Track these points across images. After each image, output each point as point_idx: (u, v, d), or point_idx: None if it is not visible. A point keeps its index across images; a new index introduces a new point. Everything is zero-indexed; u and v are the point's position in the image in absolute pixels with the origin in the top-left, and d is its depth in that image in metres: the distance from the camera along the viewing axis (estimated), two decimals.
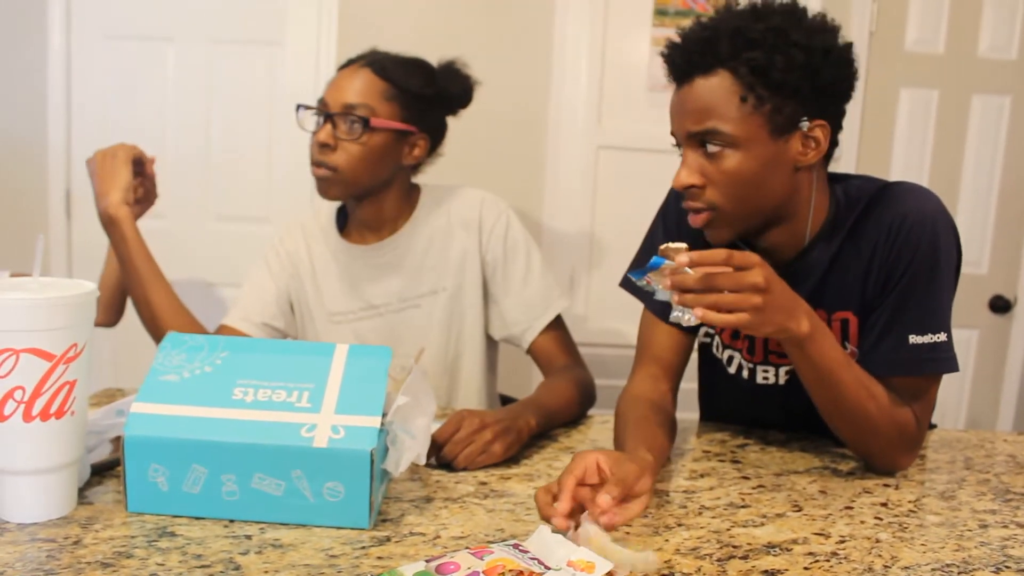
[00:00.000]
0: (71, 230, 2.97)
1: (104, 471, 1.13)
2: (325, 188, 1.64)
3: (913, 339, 1.23)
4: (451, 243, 1.70)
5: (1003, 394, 2.94)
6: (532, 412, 1.37)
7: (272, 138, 2.94)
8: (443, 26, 2.76)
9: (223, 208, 2.97)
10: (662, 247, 1.08)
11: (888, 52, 2.77)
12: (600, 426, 1.50)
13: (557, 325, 1.69)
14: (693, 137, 1.22)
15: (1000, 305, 2.87)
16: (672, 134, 1.26)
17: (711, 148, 1.20)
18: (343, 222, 1.77)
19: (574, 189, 2.81)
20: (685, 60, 1.21)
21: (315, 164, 1.62)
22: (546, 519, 0.96)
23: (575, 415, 1.52)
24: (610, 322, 2.78)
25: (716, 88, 1.18)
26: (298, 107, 1.66)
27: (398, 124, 1.62)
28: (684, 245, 1.08)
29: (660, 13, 2.77)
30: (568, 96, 2.79)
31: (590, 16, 2.76)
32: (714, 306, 1.06)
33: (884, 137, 2.82)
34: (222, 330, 1.69)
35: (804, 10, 1.21)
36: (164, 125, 2.95)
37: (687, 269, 1.07)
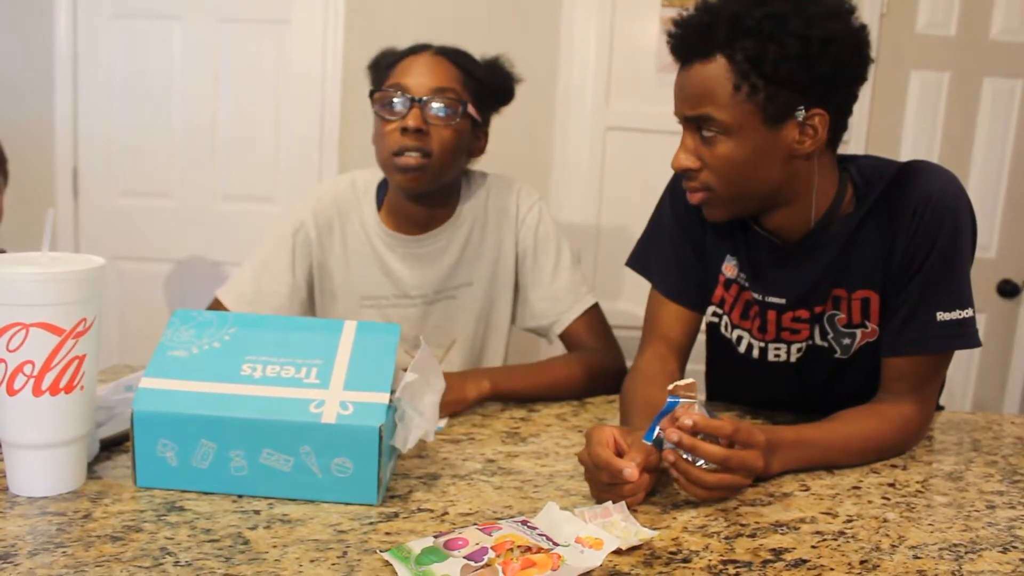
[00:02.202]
0: (78, 208, 2.97)
1: (113, 446, 1.13)
2: (416, 178, 1.54)
3: (941, 316, 1.25)
4: (487, 234, 1.69)
5: (1010, 378, 2.94)
6: (487, 377, 1.43)
7: (279, 117, 2.94)
8: (452, 5, 2.75)
9: (230, 188, 2.98)
10: (670, 386, 1.06)
11: (899, 34, 2.76)
12: (607, 406, 1.50)
13: (589, 314, 1.68)
14: (690, 121, 1.23)
15: (1008, 289, 2.86)
16: (675, 115, 1.27)
17: (706, 133, 1.22)
18: (379, 200, 1.69)
19: (582, 170, 2.81)
20: (684, 44, 1.22)
21: (403, 152, 1.52)
22: (617, 471, 0.98)
23: (574, 392, 1.52)
24: (617, 303, 2.78)
25: (712, 74, 1.19)
26: (373, 92, 1.57)
27: (476, 113, 1.59)
28: (692, 381, 1.06)
29: None
30: (576, 77, 2.78)
31: None
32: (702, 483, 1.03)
33: (894, 120, 2.80)
34: (216, 306, 1.62)
35: None
36: (171, 104, 2.95)
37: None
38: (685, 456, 1.02)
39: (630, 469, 0.98)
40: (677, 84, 1.25)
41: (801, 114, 1.19)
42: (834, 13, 1.18)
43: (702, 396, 1.58)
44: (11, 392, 0.94)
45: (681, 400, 1.04)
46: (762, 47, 1.15)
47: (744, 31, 1.16)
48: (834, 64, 1.17)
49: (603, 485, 1.01)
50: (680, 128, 1.27)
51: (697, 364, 1.53)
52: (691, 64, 1.21)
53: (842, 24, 1.18)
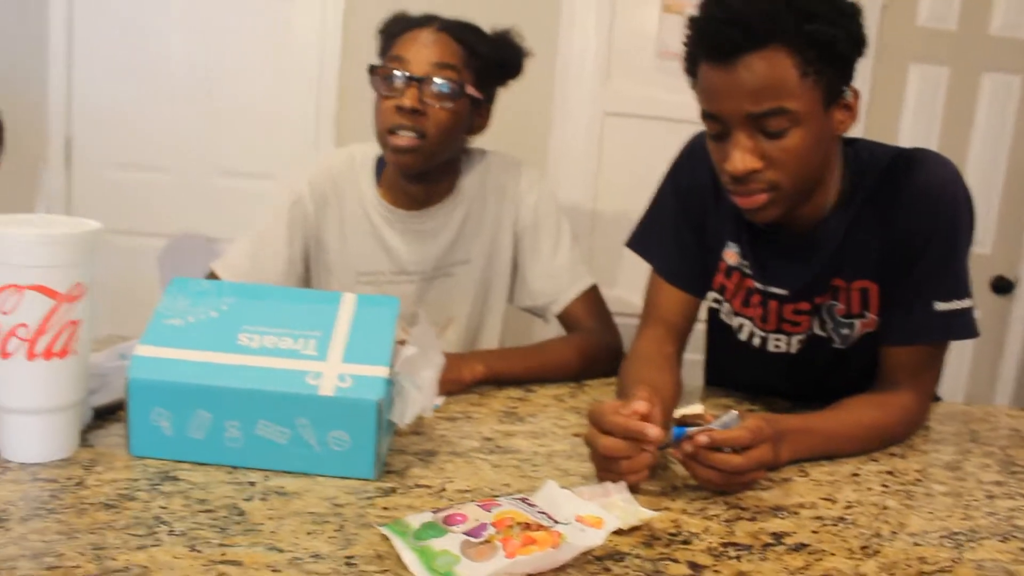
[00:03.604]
0: (71, 176, 2.94)
1: (106, 414, 1.12)
2: (409, 158, 1.52)
3: (939, 306, 1.24)
4: (485, 211, 1.67)
5: (1000, 375, 2.94)
6: (482, 360, 1.42)
7: (277, 92, 2.90)
8: None
9: (226, 162, 2.94)
10: (678, 414, 1.04)
11: (900, 27, 2.74)
12: (605, 388, 1.49)
13: (587, 294, 1.66)
14: (752, 118, 1.14)
15: (1002, 286, 2.86)
16: (712, 116, 1.17)
17: (772, 127, 1.14)
18: (377, 175, 1.67)
19: (579, 154, 2.79)
20: (739, 37, 1.11)
21: (397, 130, 1.50)
22: (641, 432, 0.97)
23: (570, 375, 1.50)
24: (613, 289, 2.77)
25: (775, 64, 1.11)
26: (372, 68, 1.54)
27: (477, 92, 1.56)
28: (701, 411, 1.05)
29: None
30: (575, 61, 2.76)
31: None
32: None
33: (892, 113, 2.79)
34: (211, 279, 1.58)
35: None
36: (168, 73, 2.91)
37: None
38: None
39: (654, 429, 0.96)
40: (724, 81, 1.13)
41: (848, 93, 1.18)
42: None
43: (699, 383, 1.58)
44: (4, 355, 0.93)
45: (687, 430, 1.02)
46: (830, 29, 1.11)
47: (808, 15, 1.10)
48: (863, 40, 1.16)
49: (611, 463, 0.99)
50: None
51: (696, 354, 1.52)
52: (739, 58, 1.11)
53: None
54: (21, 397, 0.95)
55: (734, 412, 1.04)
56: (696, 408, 1.04)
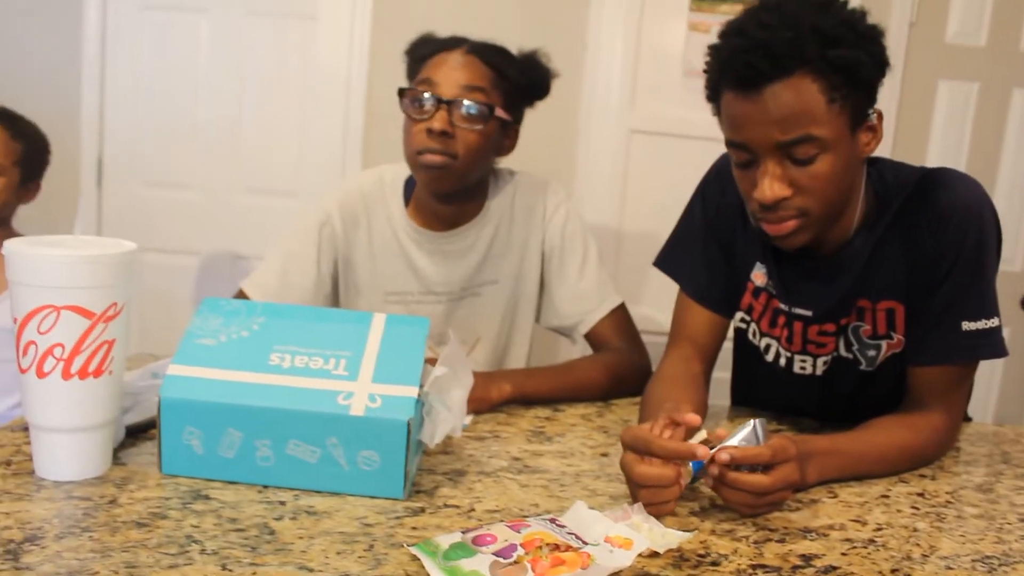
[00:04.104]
0: (102, 198, 2.98)
1: (138, 433, 1.13)
2: (440, 179, 1.53)
3: (966, 326, 1.23)
4: (513, 232, 1.68)
5: None
6: (509, 379, 1.42)
7: (304, 112, 2.94)
8: (479, 3, 2.74)
9: (253, 181, 2.98)
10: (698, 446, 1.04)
11: (928, 44, 2.74)
12: (633, 407, 1.48)
13: (614, 314, 1.66)
14: (781, 146, 1.13)
15: None
16: (739, 144, 1.17)
17: (801, 155, 1.13)
18: (406, 196, 1.68)
19: (605, 173, 2.80)
20: (763, 65, 1.09)
21: (427, 152, 1.50)
22: (690, 453, 0.98)
23: (598, 394, 1.50)
24: (639, 308, 2.77)
25: (801, 91, 1.10)
26: (402, 91, 1.55)
27: (505, 114, 1.57)
28: (704, 435, 1.03)
29: None
30: (602, 79, 2.77)
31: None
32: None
33: (921, 130, 2.78)
34: (240, 297, 1.60)
35: None
36: (196, 96, 2.96)
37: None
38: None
39: (703, 448, 0.97)
40: (749, 111, 1.13)
41: (873, 116, 1.18)
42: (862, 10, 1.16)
43: (727, 403, 1.57)
44: (41, 375, 0.94)
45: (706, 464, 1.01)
46: (854, 54, 1.10)
47: (832, 40, 1.09)
48: (886, 62, 1.16)
49: (652, 491, 0.98)
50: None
51: (722, 372, 1.52)
52: (765, 87, 1.10)
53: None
54: (56, 416, 0.96)
55: (751, 421, 1.04)
56: (700, 435, 1.03)
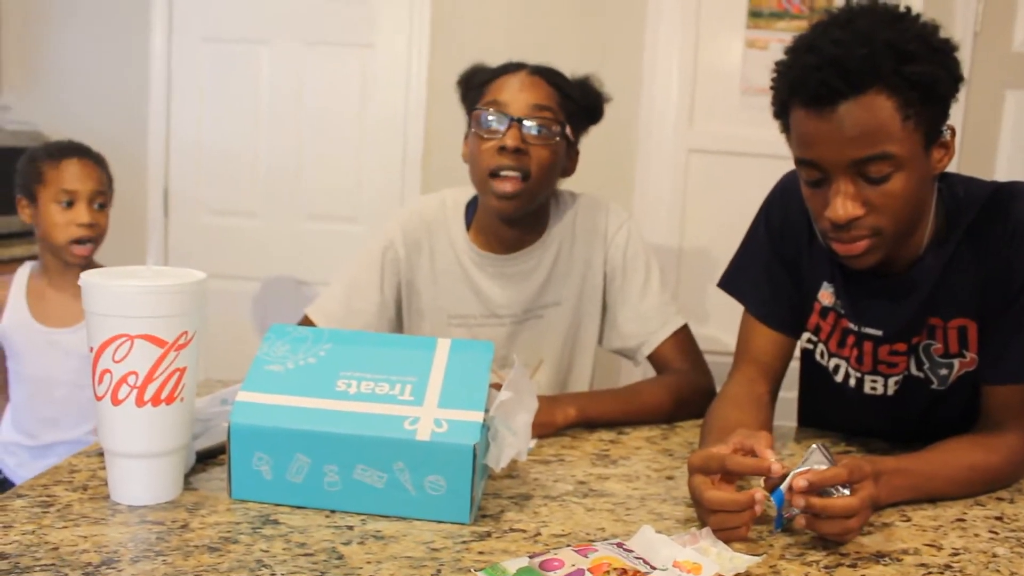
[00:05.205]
0: (168, 228, 3.05)
1: (208, 458, 1.15)
2: (513, 200, 1.53)
3: None
4: (575, 253, 1.68)
5: None
6: (574, 403, 1.42)
7: (363, 139, 2.98)
8: (535, 27, 2.76)
9: (314, 207, 3.02)
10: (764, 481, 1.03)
11: (993, 53, 2.69)
12: (697, 429, 1.46)
13: (677, 335, 1.64)
14: (854, 165, 1.11)
15: None
16: (810, 162, 1.14)
17: (875, 173, 1.10)
18: (468, 219, 1.69)
19: (664, 192, 2.79)
20: (838, 83, 1.07)
21: (500, 172, 1.51)
22: (766, 469, 0.98)
23: (662, 417, 1.49)
24: (701, 328, 2.74)
25: (875, 109, 1.07)
26: (471, 110, 1.57)
27: (571, 133, 1.58)
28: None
29: (754, 15, 2.74)
30: (659, 99, 2.77)
31: (682, 18, 2.74)
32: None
33: (988, 141, 2.73)
34: (305, 323, 1.63)
35: (909, 9, 1.16)
36: (257, 125, 3.02)
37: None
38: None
39: (777, 465, 0.97)
40: (822, 129, 1.10)
41: (947, 132, 1.15)
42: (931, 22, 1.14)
43: (793, 423, 1.55)
44: (116, 402, 0.96)
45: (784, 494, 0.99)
46: (929, 70, 1.08)
47: (907, 56, 1.07)
48: (961, 77, 1.14)
49: (723, 516, 0.97)
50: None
51: (788, 391, 1.49)
52: (838, 104, 1.08)
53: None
54: (130, 442, 0.98)
55: (813, 445, 1.02)
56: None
